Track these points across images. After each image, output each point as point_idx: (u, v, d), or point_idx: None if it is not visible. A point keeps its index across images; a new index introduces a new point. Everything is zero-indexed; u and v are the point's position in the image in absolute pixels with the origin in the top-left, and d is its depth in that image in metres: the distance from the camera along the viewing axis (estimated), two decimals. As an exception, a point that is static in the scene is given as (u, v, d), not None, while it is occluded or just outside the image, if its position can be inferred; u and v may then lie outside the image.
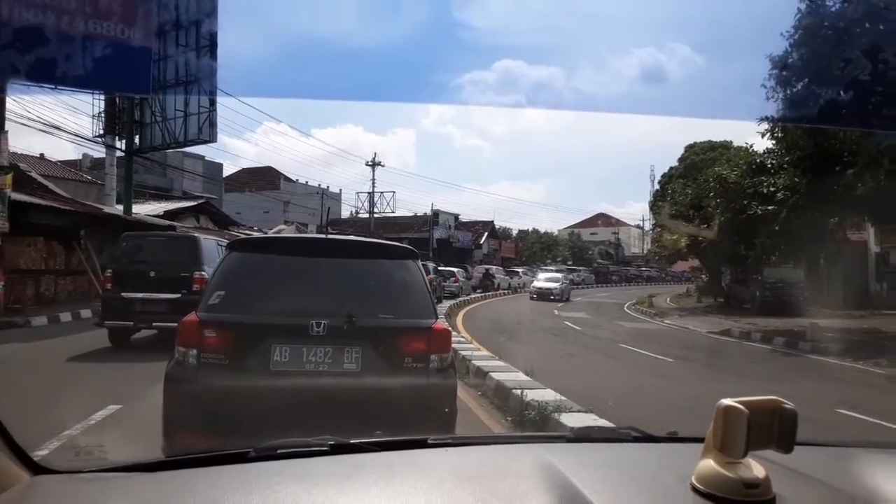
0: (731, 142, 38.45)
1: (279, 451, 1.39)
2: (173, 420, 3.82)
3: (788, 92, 15.30)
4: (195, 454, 1.39)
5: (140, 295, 10.24)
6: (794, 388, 9.58)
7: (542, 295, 32.91)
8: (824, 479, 1.25)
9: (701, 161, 37.26)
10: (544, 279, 36.25)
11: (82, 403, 6.26)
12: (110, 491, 1.18)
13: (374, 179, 47.79)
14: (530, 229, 76.75)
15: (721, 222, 22.37)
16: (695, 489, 1.12)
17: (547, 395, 6.78)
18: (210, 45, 22.17)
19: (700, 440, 1.29)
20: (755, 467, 1.12)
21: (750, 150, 23.26)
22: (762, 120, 16.39)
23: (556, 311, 25.24)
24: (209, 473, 1.28)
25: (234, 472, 1.29)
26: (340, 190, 54.84)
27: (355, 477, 1.26)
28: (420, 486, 1.19)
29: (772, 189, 18.84)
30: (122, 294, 10.29)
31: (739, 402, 1.09)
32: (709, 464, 1.13)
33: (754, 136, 19.18)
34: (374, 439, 1.51)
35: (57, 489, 1.20)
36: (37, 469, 1.22)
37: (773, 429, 1.12)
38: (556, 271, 42.36)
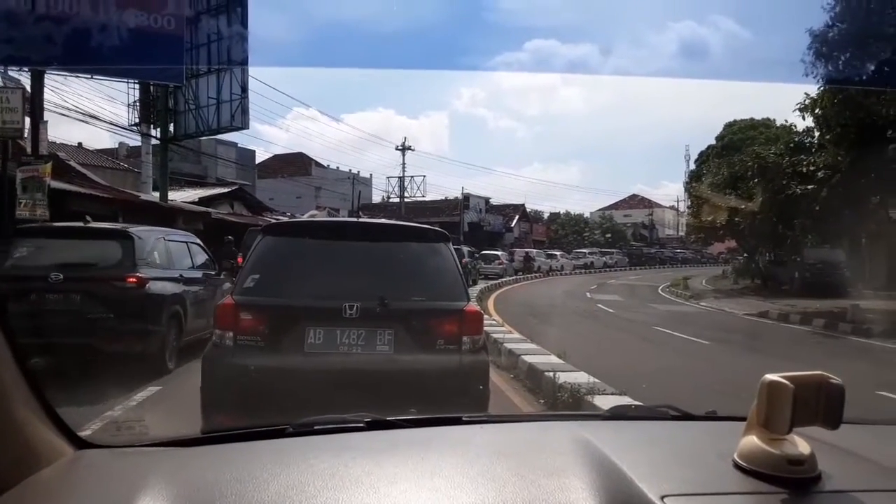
0: (773, 120, 37.55)
1: (316, 427, 1.40)
2: (211, 400, 3.90)
3: (829, 67, 14.87)
4: (234, 430, 1.41)
5: None
6: (833, 369, 9.17)
7: None
8: (870, 457, 1.22)
9: (739, 140, 36.46)
10: None
11: (123, 385, 6.41)
12: (151, 464, 1.20)
13: (404, 164, 48.02)
14: (562, 212, 76.18)
15: (759, 202, 21.89)
16: (737, 466, 1.10)
17: (580, 377, 6.73)
18: (242, 31, 22.35)
19: (739, 419, 1.26)
20: (800, 444, 1.09)
21: (789, 128, 22.71)
22: (800, 104, 15.97)
23: (588, 294, 25.08)
24: (247, 448, 1.30)
25: (272, 446, 1.31)
26: (371, 175, 54.98)
27: (392, 452, 1.26)
28: (457, 461, 1.19)
29: (811, 168, 18.36)
30: None
31: (784, 378, 1.06)
32: (752, 440, 1.10)
33: (795, 115, 18.73)
34: (409, 417, 1.52)
35: (99, 462, 1.23)
36: (80, 444, 1.25)
37: (818, 405, 1.09)
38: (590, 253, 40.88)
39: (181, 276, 8.14)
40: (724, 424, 1.54)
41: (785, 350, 12.40)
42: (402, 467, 1.16)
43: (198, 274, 8.82)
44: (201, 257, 9.34)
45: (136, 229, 8.04)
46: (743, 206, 24.23)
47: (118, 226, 8.76)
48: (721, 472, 1.10)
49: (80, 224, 8.11)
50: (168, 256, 8.11)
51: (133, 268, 7.23)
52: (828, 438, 1.16)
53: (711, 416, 1.65)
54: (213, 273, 9.45)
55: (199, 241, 9.63)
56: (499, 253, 37.41)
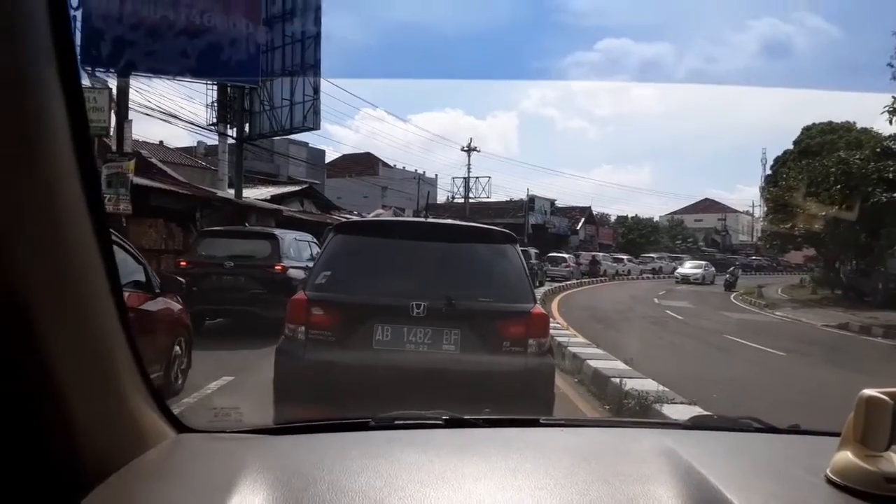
0: (853, 123, 35.73)
1: (397, 422, 1.43)
2: (283, 391, 4.01)
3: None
4: (320, 421, 1.46)
5: None
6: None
7: None
8: None
9: (817, 144, 34.87)
10: None
11: (198, 374, 6.67)
12: (248, 450, 1.25)
13: (469, 164, 48.01)
14: (629, 216, 74.57)
15: (842, 209, 20.89)
16: (830, 482, 1.06)
17: (647, 384, 6.59)
18: (315, 35, 22.88)
19: (823, 433, 1.21)
20: None
21: (872, 133, 21.60)
22: (888, 107, 15.12)
23: (656, 300, 24.52)
24: (337, 438, 1.34)
25: (359, 438, 1.35)
26: (436, 175, 55.24)
27: (473, 450, 1.27)
28: (539, 462, 1.19)
29: (900, 174, 17.41)
30: None
31: (884, 393, 1.02)
32: (846, 456, 1.06)
33: (880, 118, 17.69)
34: (486, 416, 1.52)
35: (199, 446, 1.29)
36: (181, 428, 1.32)
37: None
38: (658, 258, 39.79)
39: (306, 265, 10.28)
40: (808, 438, 1.49)
41: (867, 364, 11.78)
42: (484, 466, 1.17)
43: None
44: (317, 250, 11.32)
45: (278, 232, 11.54)
46: (824, 213, 23.16)
47: (267, 229, 12.10)
48: (813, 488, 1.06)
49: (242, 228, 12.03)
50: (298, 251, 11.03)
51: (279, 259, 10.19)
52: None
53: (795, 430, 1.59)
54: None
55: (315, 239, 12.02)
56: (566, 255, 37.70)
